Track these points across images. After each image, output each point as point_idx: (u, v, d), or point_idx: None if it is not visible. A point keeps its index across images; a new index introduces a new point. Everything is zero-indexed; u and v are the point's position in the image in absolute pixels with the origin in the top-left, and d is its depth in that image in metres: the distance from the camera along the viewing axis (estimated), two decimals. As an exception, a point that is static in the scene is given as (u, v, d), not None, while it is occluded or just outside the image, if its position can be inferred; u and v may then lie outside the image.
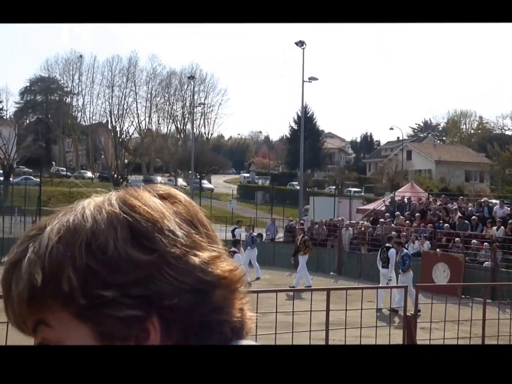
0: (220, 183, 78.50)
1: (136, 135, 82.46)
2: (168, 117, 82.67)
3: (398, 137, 78.69)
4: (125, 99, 77.76)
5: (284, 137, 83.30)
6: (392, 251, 14.34)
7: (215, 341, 0.76)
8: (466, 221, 19.22)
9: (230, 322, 0.79)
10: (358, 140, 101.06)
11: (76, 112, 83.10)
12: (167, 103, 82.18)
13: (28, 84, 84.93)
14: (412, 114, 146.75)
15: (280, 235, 24.58)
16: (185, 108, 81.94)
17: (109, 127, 76.93)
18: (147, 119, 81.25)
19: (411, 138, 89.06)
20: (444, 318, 7.22)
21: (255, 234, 19.27)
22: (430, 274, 16.41)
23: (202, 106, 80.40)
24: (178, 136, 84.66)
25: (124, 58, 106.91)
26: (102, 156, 77.20)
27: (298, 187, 48.39)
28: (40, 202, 25.83)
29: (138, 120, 79.89)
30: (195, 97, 76.30)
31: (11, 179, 51.76)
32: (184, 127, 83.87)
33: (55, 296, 0.72)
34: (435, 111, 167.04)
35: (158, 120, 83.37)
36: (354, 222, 23.91)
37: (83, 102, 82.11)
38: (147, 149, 79.42)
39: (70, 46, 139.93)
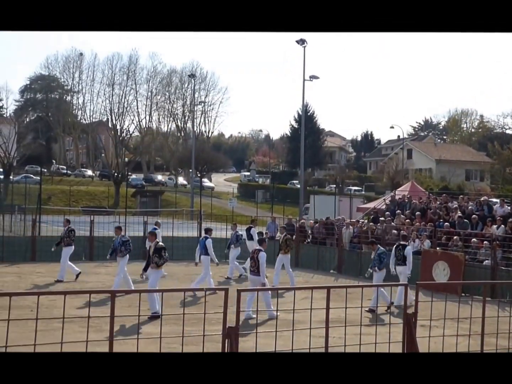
0: (220, 181, 78.57)
1: (136, 133, 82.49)
2: (169, 115, 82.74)
3: (398, 136, 78.80)
4: (125, 97, 77.76)
5: (285, 136, 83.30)
6: (409, 249, 14.56)
7: None
8: (466, 220, 19.25)
9: None
10: (359, 138, 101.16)
11: (77, 110, 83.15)
12: (168, 102, 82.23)
13: (28, 82, 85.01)
14: (413, 113, 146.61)
15: (278, 234, 24.60)
16: (186, 106, 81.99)
17: (110, 125, 76.87)
18: (147, 118, 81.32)
19: (411, 137, 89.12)
20: (444, 316, 7.25)
21: (240, 232, 18.93)
22: (430, 272, 16.45)
23: (202, 104, 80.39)
24: (179, 134, 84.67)
25: (124, 56, 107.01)
26: (103, 155, 77.26)
27: (299, 186, 48.43)
28: (40, 201, 25.85)
29: (139, 119, 79.94)
30: (196, 95, 76.40)
31: (11, 177, 51.81)
32: (185, 125, 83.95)
33: None
34: (436, 110, 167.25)
35: (159, 119, 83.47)
36: (354, 220, 23.92)
37: (84, 100, 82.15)
38: (148, 147, 79.44)
39: (70, 44, 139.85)
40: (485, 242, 17.17)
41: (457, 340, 7.56)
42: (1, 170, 53.78)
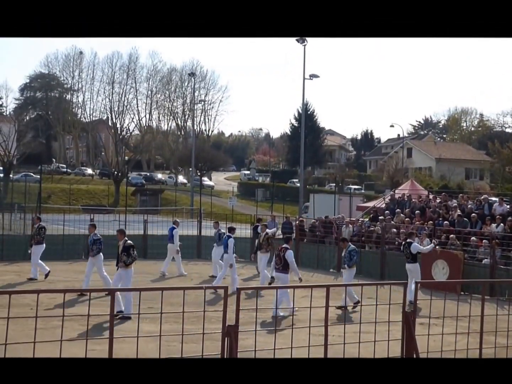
0: (220, 180, 78.60)
1: (136, 132, 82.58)
2: (169, 114, 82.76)
3: (398, 135, 78.72)
4: (125, 96, 77.81)
5: (285, 134, 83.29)
6: (415, 245, 14.70)
7: None
8: (465, 218, 19.28)
9: None
10: (359, 137, 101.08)
11: (76, 109, 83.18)
12: (168, 100, 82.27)
13: (28, 80, 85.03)
14: (413, 112, 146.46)
15: (278, 232, 24.60)
16: (186, 105, 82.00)
17: (110, 124, 76.92)
18: (147, 116, 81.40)
19: (411, 136, 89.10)
20: (443, 314, 7.27)
21: (223, 231, 18.47)
22: (430, 271, 16.47)
23: (202, 103, 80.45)
24: (179, 133, 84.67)
25: (124, 54, 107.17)
26: (103, 153, 77.26)
27: (299, 185, 48.43)
28: (40, 199, 25.87)
29: (139, 117, 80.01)
30: (196, 94, 76.41)
31: (11, 175, 51.82)
32: (185, 124, 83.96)
33: None
34: (436, 109, 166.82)
35: (159, 117, 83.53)
36: (354, 219, 23.94)
37: (83, 99, 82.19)
38: (148, 146, 79.43)
39: (70, 43, 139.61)
40: (484, 240, 17.20)
41: (456, 338, 7.58)
42: (1, 168, 53.77)
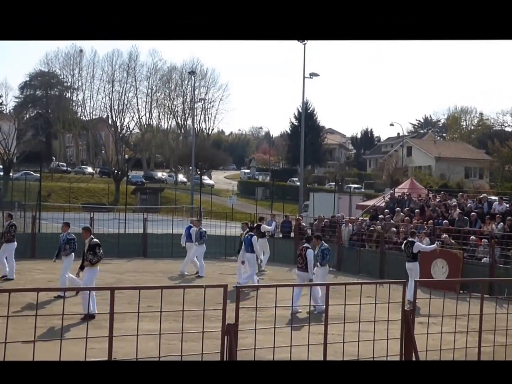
0: (220, 179, 78.61)
1: (136, 130, 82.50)
2: (169, 112, 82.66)
3: (398, 133, 78.74)
4: (125, 94, 77.73)
5: (285, 133, 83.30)
6: (417, 245, 14.76)
7: None
8: (465, 217, 19.29)
9: None
10: (359, 136, 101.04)
11: (76, 107, 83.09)
12: (168, 99, 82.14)
13: (28, 78, 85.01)
14: (413, 110, 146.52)
15: (278, 231, 24.64)
16: (186, 103, 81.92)
17: (110, 122, 76.87)
18: (147, 115, 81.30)
19: (411, 134, 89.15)
20: (442, 313, 7.28)
21: (204, 229, 18.37)
22: (429, 270, 16.49)
23: (202, 101, 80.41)
24: (179, 131, 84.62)
25: (124, 52, 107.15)
26: (103, 151, 77.25)
27: (298, 183, 48.45)
28: (40, 197, 25.85)
29: (139, 116, 79.91)
30: (196, 92, 76.35)
31: (11, 174, 51.83)
32: (185, 122, 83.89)
33: None
34: (436, 107, 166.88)
35: (159, 116, 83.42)
36: (353, 218, 23.96)
37: (83, 97, 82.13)
38: (148, 144, 79.43)
39: (70, 41, 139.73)
40: (483, 239, 17.21)
41: (455, 337, 7.60)
42: (1, 166, 53.79)
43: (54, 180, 60.10)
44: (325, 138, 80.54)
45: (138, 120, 79.93)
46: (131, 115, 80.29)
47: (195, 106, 75.77)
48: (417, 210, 21.18)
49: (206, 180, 66.78)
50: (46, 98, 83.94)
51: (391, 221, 21.08)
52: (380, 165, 72.70)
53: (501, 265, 16.05)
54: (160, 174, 74.31)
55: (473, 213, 19.23)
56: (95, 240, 11.92)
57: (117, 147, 66.42)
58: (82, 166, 75.93)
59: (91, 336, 6.14)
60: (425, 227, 18.96)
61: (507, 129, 78.52)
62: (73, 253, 13.63)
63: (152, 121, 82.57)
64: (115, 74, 78.42)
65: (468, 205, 20.48)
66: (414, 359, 7.05)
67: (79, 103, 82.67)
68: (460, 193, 23.88)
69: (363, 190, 61.60)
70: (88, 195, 55.27)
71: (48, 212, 28.16)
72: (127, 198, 43.33)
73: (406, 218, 20.55)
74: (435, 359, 7.11)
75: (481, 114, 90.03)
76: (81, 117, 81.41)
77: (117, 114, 76.30)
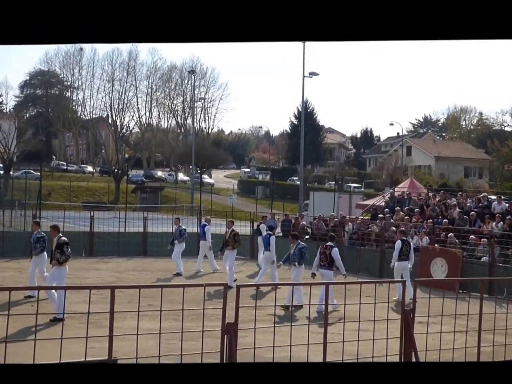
0: (220, 178, 78.62)
1: (136, 129, 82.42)
2: (169, 111, 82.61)
3: (398, 133, 78.68)
4: (125, 93, 77.65)
5: (285, 132, 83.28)
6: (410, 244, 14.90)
7: None
8: (465, 216, 19.31)
9: None
10: (358, 135, 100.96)
11: (76, 106, 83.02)
12: (168, 98, 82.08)
13: (28, 77, 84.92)
14: (412, 110, 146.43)
15: (277, 230, 24.66)
16: (186, 102, 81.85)
17: (110, 121, 76.82)
18: (147, 114, 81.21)
19: (411, 134, 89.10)
20: (442, 312, 7.30)
21: (183, 227, 18.45)
22: (429, 269, 16.50)
23: (202, 100, 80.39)
24: (179, 130, 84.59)
25: (124, 51, 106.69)
26: (103, 151, 77.22)
27: (298, 182, 48.45)
28: (40, 196, 25.88)
29: (139, 115, 79.84)
30: (196, 91, 76.30)
31: (11, 173, 51.80)
32: (185, 121, 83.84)
33: None
34: (435, 107, 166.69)
35: (159, 115, 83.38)
36: (353, 217, 23.97)
37: (83, 96, 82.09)
38: (148, 143, 79.39)
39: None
40: (483, 239, 17.23)
41: (455, 337, 7.61)
42: (1, 165, 53.77)
43: (54, 179, 60.12)
44: (325, 138, 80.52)
45: (138, 119, 79.93)
46: (131, 114, 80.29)
47: (195, 105, 75.76)
48: (416, 210, 21.19)
49: (206, 179, 66.78)
50: (46, 97, 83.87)
51: (391, 220, 21.09)
52: (379, 165, 72.69)
53: (501, 264, 16.07)
54: (160, 173, 74.31)
55: (472, 212, 19.25)
56: (63, 238, 11.75)
57: (117, 146, 66.38)
58: (82, 165, 75.91)
59: (91, 336, 6.15)
60: (425, 226, 18.98)
61: (507, 128, 78.55)
62: (44, 252, 13.38)
63: (152, 120, 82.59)
64: (115, 73, 78.40)
65: (468, 204, 20.49)
66: (413, 358, 7.07)
67: (79, 102, 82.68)
68: (460, 193, 23.88)
69: (363, 189, 61.59)
70: (89, 194, 55.28)
71: (48, 211, 28.20)
72: (127, 197, 43.36)
73: (406, 217, 20.57)
74: (434, 359, 7.12)
75: (480, 113, 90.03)
76: (81, 116, 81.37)
77: (117, 113, 76.29)
